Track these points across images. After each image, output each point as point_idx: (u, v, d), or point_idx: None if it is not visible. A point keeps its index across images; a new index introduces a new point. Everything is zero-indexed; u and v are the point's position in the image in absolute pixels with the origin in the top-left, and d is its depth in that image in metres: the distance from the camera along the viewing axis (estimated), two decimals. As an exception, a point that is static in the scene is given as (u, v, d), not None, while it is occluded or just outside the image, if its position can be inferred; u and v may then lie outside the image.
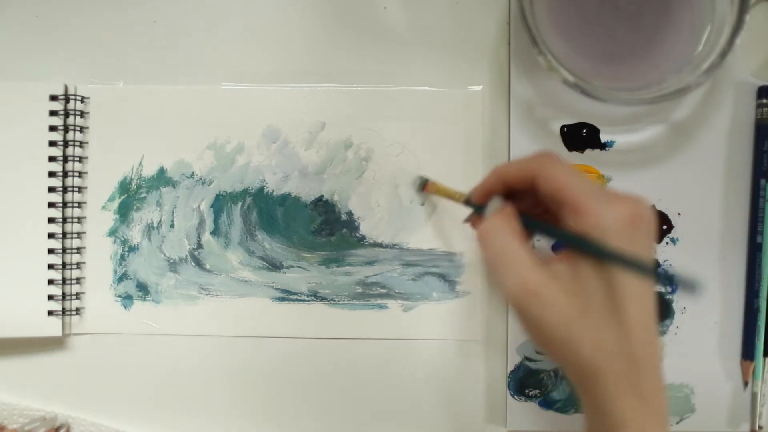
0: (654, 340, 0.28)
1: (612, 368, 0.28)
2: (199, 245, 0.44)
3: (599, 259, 0.28)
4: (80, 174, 0.44)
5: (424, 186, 0.43)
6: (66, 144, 0.44)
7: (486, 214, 0.34)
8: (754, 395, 0.43)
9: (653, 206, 0.29)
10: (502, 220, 0.31)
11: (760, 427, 0.42)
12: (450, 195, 0.40)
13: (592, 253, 0.28)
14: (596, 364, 0.28)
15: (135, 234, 0.44)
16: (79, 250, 0.44)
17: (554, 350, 0.29)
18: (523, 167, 0.32)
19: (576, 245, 0.29)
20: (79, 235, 0.44)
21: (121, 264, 0.44)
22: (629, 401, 0.28)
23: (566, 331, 0.28)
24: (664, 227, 0.43)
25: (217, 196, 0.44)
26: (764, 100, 0.42)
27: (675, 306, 0.43)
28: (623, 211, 0.28)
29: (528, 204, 0.33)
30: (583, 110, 0.43)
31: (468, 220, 0.38)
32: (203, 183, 0.44)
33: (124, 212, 0.44)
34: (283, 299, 0.44)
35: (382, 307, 0.44)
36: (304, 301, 0.44)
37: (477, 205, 0.35)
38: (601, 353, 0.28)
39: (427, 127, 0.44)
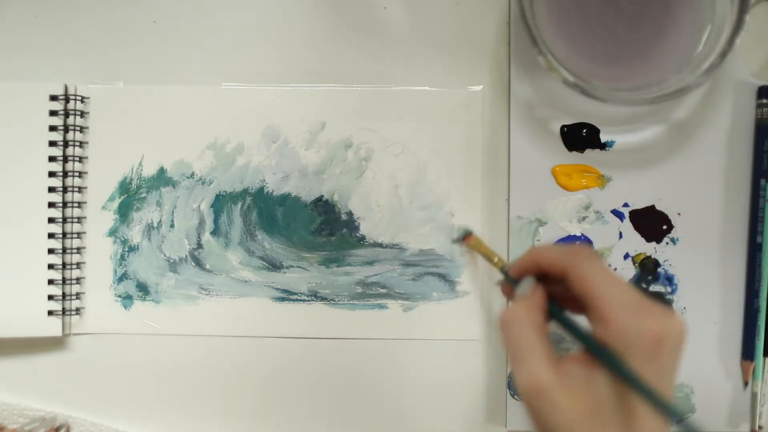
0: None
1: None
2: (199, 245, 0.44)
3: (616, 375, 0.28)
4: (80, 174, 0.44)
5: (464, 238, 0.43)
6: (66, 144, 0.44)
7: (516, 293, 0.33)
8: (754, 395, 0.43)
9: (684, 326, 0.28)
10: (525, 309, 0.31)
11: (760, 427, 0.42)
12: (489, 256, 0.40)
13: (610, 369, 0.28)
14: None
15: (135, 234, 0.44)
16: (79, 250, 0.44)
17: None
18: (558, 259, 0.31)
19: (595, 355, 0.29)
20: (79, 235, 0.44)
21: (121, 264, 0.44)
22: None
23: None
24: (664, 227, 0.43)
25: (217, 196, 0.44)
26: (764, 100, 0.42)
27: (675, 306, 0.43)
28: (650, 329, 0.27)
29: (562, 288, 0.32)
30: (583, 110, 0.43)
31: (500, 284, 0.38)
32: (203, 183, 0.44)
33: (124, 212, 0.44)
34: (283, 299, 0.44)
35: (382, 307, 0.44)
36: (304, 301, 0.44)
37: (509, 278, 0.35)
38: None
39: (427, 127, 0.44)
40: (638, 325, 0.27)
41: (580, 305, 0.30)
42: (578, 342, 0.30)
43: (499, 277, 0.38)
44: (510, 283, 0.35)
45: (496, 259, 0.40)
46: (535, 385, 0.28)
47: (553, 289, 0.33)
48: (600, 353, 0.28)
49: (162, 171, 0.44)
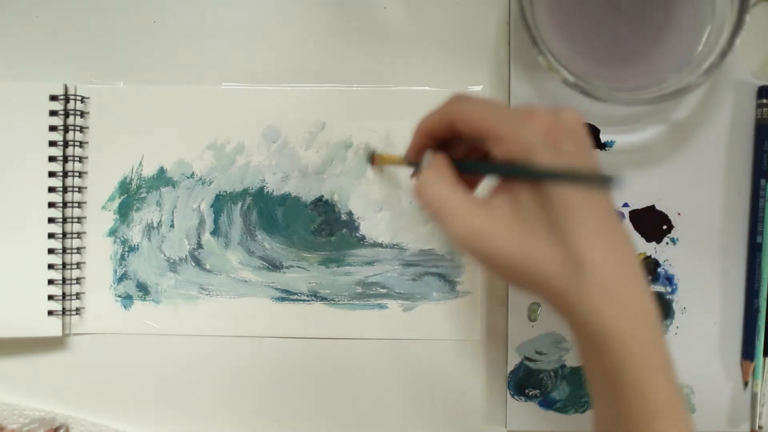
0: (610, 243, 0.27)
1: (567, 280, 0.27)
2: (199, 245, 0.44)
3: (526, 178, 0.28)
4: (80, 174, 0.44)
5: (372, 160, 0.43)
6: (66, 144, 0.44)
7: (423, 169, 0.34)
8: (754, 395, 0.43)
9: (577, 114, 0.29)
10: (432, 171, 0.31)
11: (760, 427, 0.42)
12: (394, 161, 0.41)
13: (518, 175, 0.28)
14: (550, 281, 0.27)
15: (135, 234, 0.44)
16: (79, 250, 0.44)
17: (515, 279, 0.29)
18: (440, 116, 0.32)
19: (502, 172, 0.30)
20: (79, 235, 0.44)
21: (121, 264, 0.44)
22: (597, 304, 0.27)
23: (516, 258, 0.28)
24: (664, 227, 0.43)
25: (217, 196, 0.44)
26: (764, 100, 0.42)
27: (675, 306, 0.43)
28: (540, 125, 0.28)
29: (464, 149, 0.33)
30: (583, 110, 0.43)
31: (414, 175, 0.37)
32: (203, 183, 0.44)
33: (124, 212, 0.44)
34: (283, 299, 0.44)
35: (382, 307, 0.44)
36: (304, 301, 0.44)
37: (415, 163, 0.35)
38: (552, 269, 0.27)
39: (427, 127, 0.44)
40: (529, 127, 0.28)
41: (479, 149, 0.32)
42: (487, 172, 0.31)
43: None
44: (416, 167, 0.35)
45: (401, 160, 0.39)
46: (468, 230, 0.29)
47: (457, 154, 0.33)
48: (507, 169, 0.29)
49: (162, 171, 0.44)
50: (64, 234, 0.44)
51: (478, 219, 0.29)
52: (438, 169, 0.31)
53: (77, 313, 0.44)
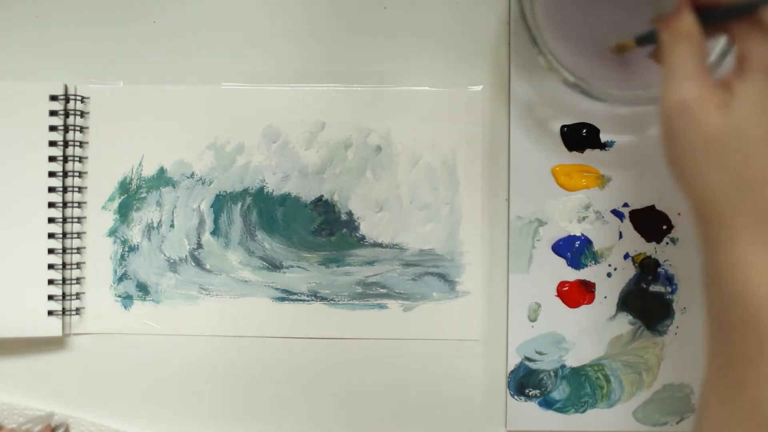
0: None
1: (741, 208, 0.26)
2: (199, 245, 0.44)
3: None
4: (80, 174, 0.44)
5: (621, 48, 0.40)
6: (66, 144, 0.44)
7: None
8: (754, 395, 0.42)
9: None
10: (691, 25, 0.29)
11: (760, 427, 0.42)
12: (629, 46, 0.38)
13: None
14: (726, 202, 0.27)
15: (135, 234, 0.44)
16: (79, 250, 0.44)
17: (686, 173, 0.28)
18: None
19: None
20: (79, 235, 0.44)
21: (121, 264, 0.44)
22: (748, 239, 0.26)
23: (704, 154, 0.27)
24: (664, 227, 0.43)
25: (217, 196, 0.44)
26: (764, 100, 0.42)
27: (675, 306, 0.43)
28: None
29: None
30: (583, 110, 0.43)
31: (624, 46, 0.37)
32: (203, 183, 0.44)
33: (124, 212, 0.44)
34: (283, 299, 0.44)
35: (382, 307, 0.44)
36: (304, 301, 0.44)
37: (644, 37, 0.35)
38: (733, 192, 0.26)
39: (427, 127, 0.44)
40: None
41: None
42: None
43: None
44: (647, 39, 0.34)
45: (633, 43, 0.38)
46: (680, 99, 0.28)
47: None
48: None
49: (162, 171, 0.44)
50: (64, 234, 0.44)
51: (696, 93, 0.27)
52: (694, 23, 0.29)
53: (77, 313, 0.44)
